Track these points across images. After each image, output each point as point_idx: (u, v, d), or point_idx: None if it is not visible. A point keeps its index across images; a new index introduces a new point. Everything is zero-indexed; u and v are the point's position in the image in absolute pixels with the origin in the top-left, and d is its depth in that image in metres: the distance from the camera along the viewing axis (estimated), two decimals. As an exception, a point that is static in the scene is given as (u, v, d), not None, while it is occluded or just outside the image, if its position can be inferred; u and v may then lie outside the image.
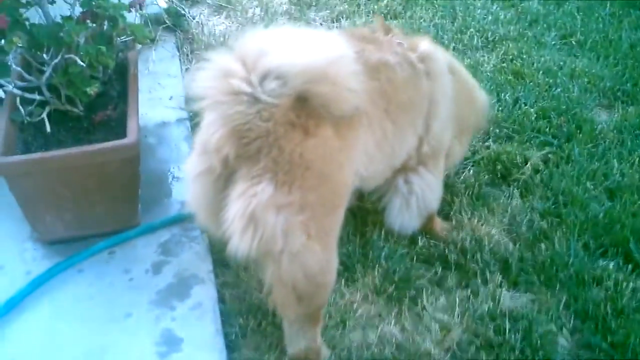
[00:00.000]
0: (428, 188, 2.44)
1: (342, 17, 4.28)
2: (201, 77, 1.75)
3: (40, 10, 2.44)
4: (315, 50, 1.76)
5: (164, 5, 3.94)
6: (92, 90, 2.39)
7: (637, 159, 3.05)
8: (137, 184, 2.47)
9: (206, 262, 2.41)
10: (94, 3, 2.46)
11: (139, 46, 2.98)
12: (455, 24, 4.20)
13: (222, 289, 2.35)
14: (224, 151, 1.76)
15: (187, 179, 1.95)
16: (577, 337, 2.26)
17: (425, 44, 2.35)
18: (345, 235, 2.51)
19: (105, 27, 2.51)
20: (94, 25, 2.49)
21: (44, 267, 2.35)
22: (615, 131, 3.26)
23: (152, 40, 3.62)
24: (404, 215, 2.46)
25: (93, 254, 2.40)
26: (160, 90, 3.40)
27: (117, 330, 2.16)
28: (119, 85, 2.65)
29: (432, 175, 2.45)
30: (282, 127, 1.71)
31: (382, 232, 2.56)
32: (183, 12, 4.00)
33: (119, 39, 2.61)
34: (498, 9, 4.44)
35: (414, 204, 2.43)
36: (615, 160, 3.04)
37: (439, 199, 2.54)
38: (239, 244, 1.75)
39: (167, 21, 3.85)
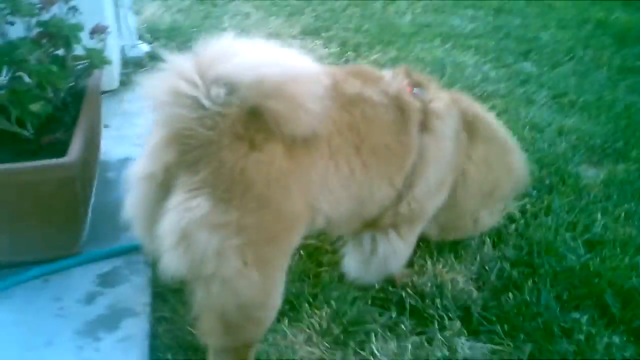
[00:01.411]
0: (393, 254, 2.25)
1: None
2: (153, 78, 1.64)
3: (-3, 30, 2.38)
4: (275, 64, 1.64)
5: (147, 49, 3.92)
6: (38, 108, 2.30)
7: (623, 214, 2.87)
8: (77, 210, 2.33)
9: (144, 295, 2.23)
10: (50, 24, 2.40)
11: (103, 74, 2.90)
12: (443, 79, 4.12)
13: (157, 323, 2.17)
14: (165, 156, 1.64)
15: (129, 182, 1.78)
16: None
17: (441, 102, 2.18)
18: (297, 274, 2.35)
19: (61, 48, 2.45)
20: (50, 46, 2.42)
21: (-29, 292, 2.20)
22: (601, 185, 3.10)
23: (128, 81, 3.59)
24: (360, 271, 2.29)
25: (23, 282, 2.24)
26: (129, 129, 3.31)
27: (34, 359, 1.98)
28: (74, 110, 2.55)
29: (402, 243, 2.25)
30: (226, 137, 1.59)
31: (336, 274, 2.38)
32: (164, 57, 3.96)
33: (76, 62, 2.54)
34: (489, 68, 4.38)
35: (374, 265, 2.26)
36: (599, 213, 2.86)
37: (402, 265, 2.36)
38: (169, 262, 1.61)
39: (148, 65, 3.81)
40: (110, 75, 3.56)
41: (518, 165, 2.52)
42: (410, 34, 4.93)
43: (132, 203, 1.78)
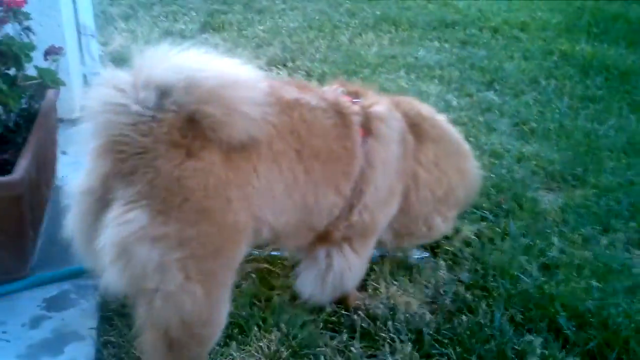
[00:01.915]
0: (348, 269, 2.21)
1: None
2: (91, 90, 1.63)
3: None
4: (210, 69, 1.64)
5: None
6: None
7: (580, 238, 2.87)
8: (24, 231, 2.28)
9: (91, 319, 2.19)
10: (1, 42, 2.38)
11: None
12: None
13: (103, 347, 2.10)
14: (101, 168, 1.61)
15: (70, 198, 1.74)
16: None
17: (382, 106, 2.16)
18: (248, 298, 2.30)
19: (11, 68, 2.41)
20: (0, 65, 2.39)
21: None
22: (559, 210, 3.10)
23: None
24: (316, 289, 2.23)
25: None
26: (88, 155, 3.28)
27: (-28, 386, 1.93)
28: (26, 132, 2.51)
29: (356, 257, 2.21)
30: (162, 145, 1.57)
31: (288, 298, 2.34)
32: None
33: (29, 83, 2.50)
34: (452, 97, 4.41)
35: (330, 281, 2.20)
36: (555, 237, 2.86)
37: (358, 281, 2.33)
38: (110, 278, 1.58)
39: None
40: (70, 103, 3.51)
41: (472, 170, 2.50)
42: (376, 65, 4.97)
43: (72, 219, 1.74)
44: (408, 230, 2.42)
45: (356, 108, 2.09)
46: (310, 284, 2.23)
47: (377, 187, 2.11)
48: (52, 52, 2.59)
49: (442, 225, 2.48)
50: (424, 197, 2.34)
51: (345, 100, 2.10)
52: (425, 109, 2.42)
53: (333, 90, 2.16)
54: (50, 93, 2.64)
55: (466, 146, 2.53)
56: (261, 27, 5.69)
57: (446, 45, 5.60)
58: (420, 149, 2.29)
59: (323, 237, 2.16)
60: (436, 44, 5.64)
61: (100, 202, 1.62)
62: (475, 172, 2.54)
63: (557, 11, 7.13)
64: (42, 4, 3.12)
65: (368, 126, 2.09)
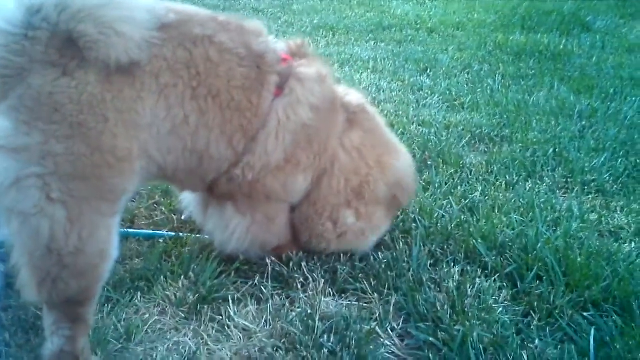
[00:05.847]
0: (225, 229, 2.16)
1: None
2: None
3: None
4: None
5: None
6: None
7: (503, 183, 2.85)
8: None
9: (-9, 286, 2.10)
10: None
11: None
12: (337, 91, 4.14)
13: (3, 311, 2.00)
14: None
15: None
16: (406, 337, 1.94)
17: (311, 70, 2.02)
18: (156, 255, 2.23)
19: None
20: None
21: None
22: (484, 163, 3.09)
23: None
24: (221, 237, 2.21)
25: None
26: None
27: None
28: None
29: (241, 219, 2.13)
30: (38, 64, 1.53)
31: (198, 252, 2.27)
32: None
33: None
34: (385, 83, 4.43)
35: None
36: (478, 184, 2.84)
37: (247, 244, 2.18)
38: None
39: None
40: None
41: (398, 167, 2.30)
42: (310, 63, 4.98)
43: None
44: (308, 226, 2.24)
45: (280, 68, 1.97)
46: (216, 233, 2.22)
47: (268, 148, 1.98)
48: None
49: (352, 221, 2.24)
50: (338, 182, 2.19)
51: (275, 58, 1.98)
52: (370, 108, 2.34)
53: (273, 44, 2.02)
54: None
55: (399, 146, 2.39)
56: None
57: (382, 44, 5.66)
58: (348, 134, 2.19)
59: (209, 188, 2.07)
60: (372, 43, 5.69)
61: None
62: (403, 172, 2.33)
63: (493, 12, 7.27)
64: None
65: (282, 85, 1.97)
